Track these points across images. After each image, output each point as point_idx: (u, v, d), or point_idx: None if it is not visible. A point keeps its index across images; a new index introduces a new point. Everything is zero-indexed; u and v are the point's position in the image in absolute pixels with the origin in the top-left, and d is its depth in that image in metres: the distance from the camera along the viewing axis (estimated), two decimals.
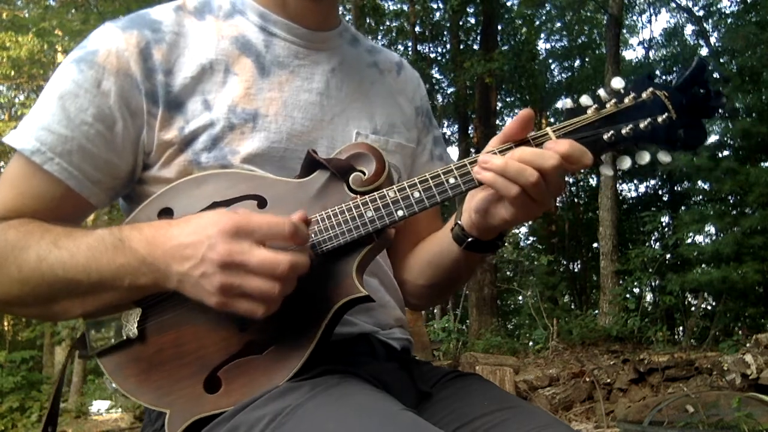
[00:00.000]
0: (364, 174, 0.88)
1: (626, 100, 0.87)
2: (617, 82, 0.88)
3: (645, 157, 0.88)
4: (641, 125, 0.86)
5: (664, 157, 0.88)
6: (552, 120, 20.82)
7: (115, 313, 0.87)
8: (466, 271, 1.10)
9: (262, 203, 0.89)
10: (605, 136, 0.86)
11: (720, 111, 0.90)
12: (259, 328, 0.84)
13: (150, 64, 0.92)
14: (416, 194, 0.86)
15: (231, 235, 0.76)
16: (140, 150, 0.94)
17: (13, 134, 0.90)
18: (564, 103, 0.90)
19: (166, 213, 0.89)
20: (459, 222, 0.99)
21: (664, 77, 18.12)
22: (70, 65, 0.91)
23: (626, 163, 0.88)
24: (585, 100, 0.88)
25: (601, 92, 0.88)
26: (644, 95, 0.87)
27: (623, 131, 0.86)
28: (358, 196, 0.87)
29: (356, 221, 0.85)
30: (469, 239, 0.98)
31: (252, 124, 0.95)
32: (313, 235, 0.85)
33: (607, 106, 0.87)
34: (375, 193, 0.87)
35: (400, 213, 0.86)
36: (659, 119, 0.86)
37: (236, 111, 0.95)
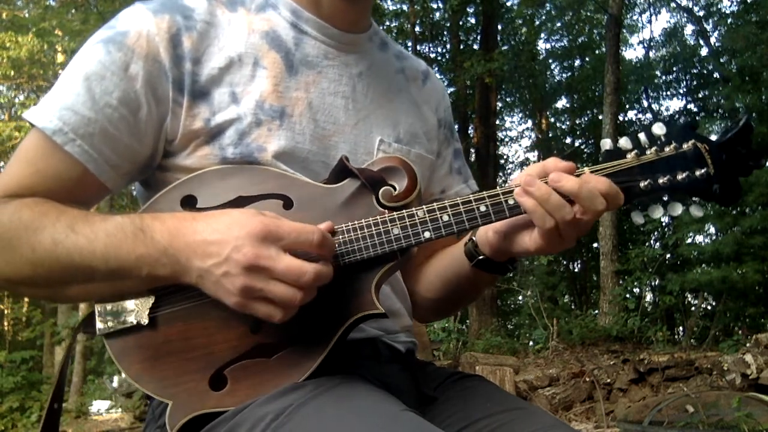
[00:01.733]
0: (394, 189, 0.88)
1: (667, 149, 0.87)
2: (659, 128, 0.88)
3: (677, 209, 0.88)
4: (678, 177, 0.86)
5: (696, 211, 0.89)
6: (552, 120, 20.83)
7: (128, 299, 0.86)
8: (473, 290, 1.09)
9: (288, 204, 0.88)
10: (642, 184, 0.86)
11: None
12: (271, 331, 0.83)
13: (179, 51, 0.91)
14: (445, 217, 0.86)
15: (259, 239, 0.76)
16: (162, 137, 0.93)
17: (35, 111, 0.88)
18: (602, 143, 0.90)
19: (189, 200, 0.88)
20: (474, 238, 0.98)
21: (664, 77, 18.15)
22: (98, 45, 0.89)
23: (658, 212, 0.89)
24: (624, 143, 0.88)
25: (642, 137, 0.88)
26: (685, 146, 0.87)
27: (660, 181, 0.86)
28: (387, 211, 0.86)
29: (382, 237, 0.85)
30: (480, 257, 0.97)
31: (279, 122, 0.94)
32: (336, 246, 0.84)
33: (647, 153, 0.87)
34: (404, 210, 0.86)
35: (427, 234, 0.85)
36: (697, 173, 0.86)
37: (264, 107, 0.94)
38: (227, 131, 0.92)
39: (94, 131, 0.87)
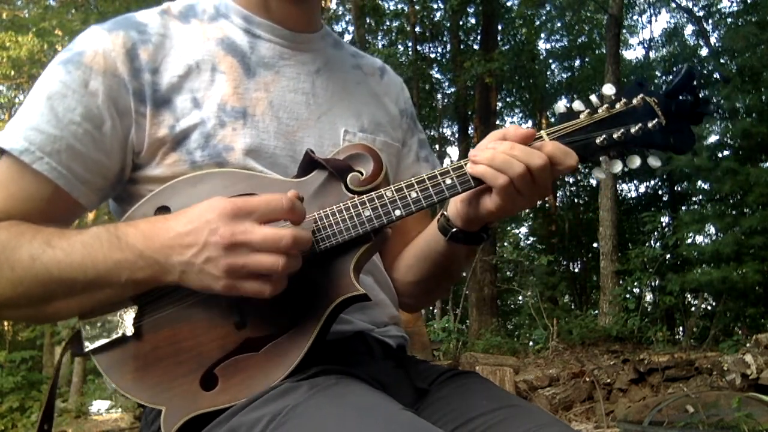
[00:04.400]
0: (361, 174, 0.90)
1: (617, 106, 0.91)
2: (608, 89, 0.93)
3: (635, 161, 0.92)
4: (632, 130, 0.90)
5: (654, 162, 0.92)
6: (552, 120, 20.84)
7: (110, 311, 0.86)
8: (454, 266, 1.11)
9: None
10: (597, 140, 0.90)
11: (717, 114, 0.94)
12: (256, 325, 0.84)
13: (137, 63, 0.93)
14: (413, 194, 0.88)
15: (231, 216, 0.78)
16: (129, 150, 0.94)
17: (1, 135, 0.89)
18: (557, 107, 0.94)
19: (163, 211, 0.89)
20: (445, 213, 1.01)
21: (664, 77, 18.16)
22: (57, 67, 0.92)
23: (617, 166, 0.92)
24: (577, 105, 0.92)
25: (593, 98, 0.92)
26: (635, 101, 0.91)
27: (615, 135, 0.90)
28: (356, 195, 0.88)
29: (354, 220, 0.86)
30: (454, 229, 0.99)
31: (242, 121, 0.96)
32: (313, 232, 0.85)
33: (599, 111, 0.91)
34: (373, 192, 0.88)
35: (398, 212, 0.87)
36: (649, 124, 0.90)
37: (226, 109, 0.96)
38: (192, 135, 0.94)
39: (61, 148, 0.89)
